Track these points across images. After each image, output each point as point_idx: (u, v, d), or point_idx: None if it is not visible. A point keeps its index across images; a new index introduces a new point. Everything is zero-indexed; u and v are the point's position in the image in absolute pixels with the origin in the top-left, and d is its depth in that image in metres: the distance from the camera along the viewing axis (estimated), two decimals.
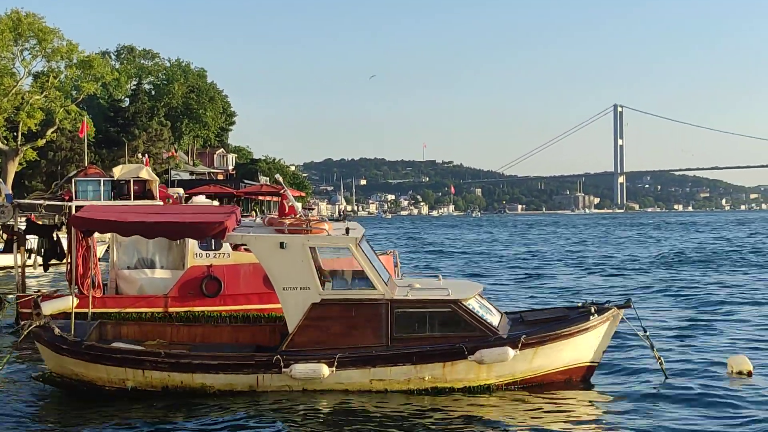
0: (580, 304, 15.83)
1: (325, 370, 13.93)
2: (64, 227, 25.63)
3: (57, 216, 41.07)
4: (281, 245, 14.38)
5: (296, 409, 13.52)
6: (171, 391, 14.22)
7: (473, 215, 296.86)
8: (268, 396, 14.05)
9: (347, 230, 14.62)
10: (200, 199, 43.40)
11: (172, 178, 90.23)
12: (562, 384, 14.84)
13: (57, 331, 14.43)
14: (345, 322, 14.29)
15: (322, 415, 13.29)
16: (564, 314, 15.41)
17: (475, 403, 13.89)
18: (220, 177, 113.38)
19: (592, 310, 14.96)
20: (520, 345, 14.27)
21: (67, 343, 14.36)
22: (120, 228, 15.25)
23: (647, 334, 15.39)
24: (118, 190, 43.10)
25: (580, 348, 14.93)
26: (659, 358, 15.43)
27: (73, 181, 45.38)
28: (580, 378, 15.10)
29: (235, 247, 22.80)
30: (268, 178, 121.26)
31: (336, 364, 13.98)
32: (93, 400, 14.23)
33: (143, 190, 42.86)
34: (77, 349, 14.32)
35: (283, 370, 14.01)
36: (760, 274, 38.66)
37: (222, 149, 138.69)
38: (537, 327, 14.87)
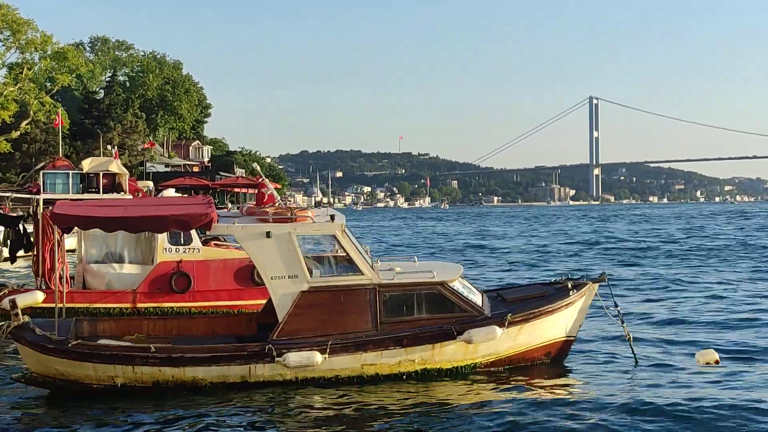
0: (554, 280, 16.04)
1: (318, 357, 13.88)
2: (30, 218, 25.00)
3: (21, 209, 40.44)
4: (267, 235, 14.33)
5: (289, 398, 13.51)
6: (162, 385, 13.98)
7: (441, 207, 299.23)
8: (260, 386, 13.94)
9: (332, 217, 14.59)
10: (170, 192, 42.95)
11: (148, 170, 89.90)
12: (542, 360, 15.11)
13: (39, 331, 14.02)
14: (334, 308, 14.33)
15: (315, 404, 13.29)
16: (542, 291, 15.61)
17: (457, 385, 14.03)
18: (196, 169, 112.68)
19: (569, 286, 15.22)
20: (506, 323, 14.47)
21: (53, 342, 13.97)
22: (104, 224, 14.72)
23: (618, 308, 15.62)
24: (87, 183, 42.68)
25: (559, 323, 15.17)
26: (628, 335, 15.66)
27: (41, 173, 44.92)
28: (558, 352, 15.36)
29: (205, 242, 22.64)
30: (243, 170, 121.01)
31: (328, 350, 13.97)
32: (79, 399, 13.85)
33: (112, 183, 42.53)
34: (64, 348, 13.95)
35: (276, 359, 13.91)
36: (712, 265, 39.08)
37: (197, 141, 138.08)
38: (519, 305, 15.06)
